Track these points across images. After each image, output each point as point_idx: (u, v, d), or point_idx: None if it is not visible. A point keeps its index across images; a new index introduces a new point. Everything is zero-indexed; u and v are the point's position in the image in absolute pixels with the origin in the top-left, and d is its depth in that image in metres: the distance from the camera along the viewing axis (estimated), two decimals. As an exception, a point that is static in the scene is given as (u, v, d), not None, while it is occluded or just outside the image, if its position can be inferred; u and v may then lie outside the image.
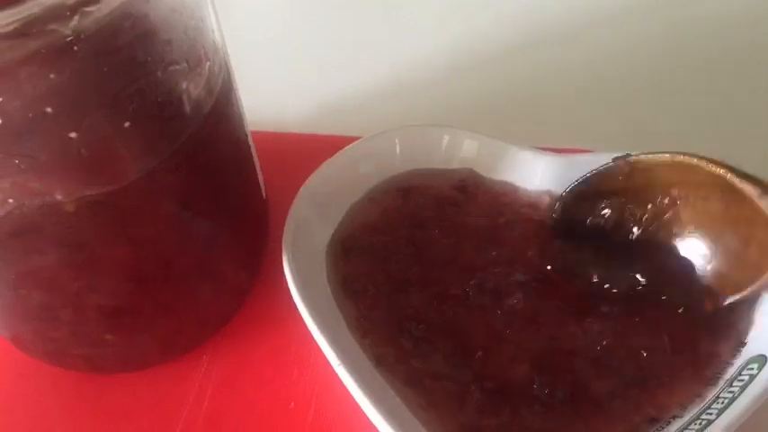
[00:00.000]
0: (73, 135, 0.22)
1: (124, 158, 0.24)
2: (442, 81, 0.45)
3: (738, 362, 0.28)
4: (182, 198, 0.27)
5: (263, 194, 0.34)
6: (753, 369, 0.27)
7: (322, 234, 0.33)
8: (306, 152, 0.38)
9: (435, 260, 0.32)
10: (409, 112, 0.42)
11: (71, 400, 0.32)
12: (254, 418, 0.31)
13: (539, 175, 0.34)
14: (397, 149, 0.34)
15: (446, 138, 0.35)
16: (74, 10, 0.20)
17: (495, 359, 0.29)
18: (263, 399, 0.31)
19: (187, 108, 0.25)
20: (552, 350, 0.29)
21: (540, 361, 0.29)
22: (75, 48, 0.21)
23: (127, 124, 0.23)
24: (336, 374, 0.27)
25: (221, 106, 0.28)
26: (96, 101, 0.22)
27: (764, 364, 0.26)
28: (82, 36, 0.21)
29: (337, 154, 0.34)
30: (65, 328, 0.28)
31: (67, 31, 0.20)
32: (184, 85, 0.25)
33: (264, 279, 0.34)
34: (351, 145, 0.34)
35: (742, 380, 0.27)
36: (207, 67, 0.26)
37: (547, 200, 0.33)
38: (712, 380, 0.28)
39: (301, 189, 0.32)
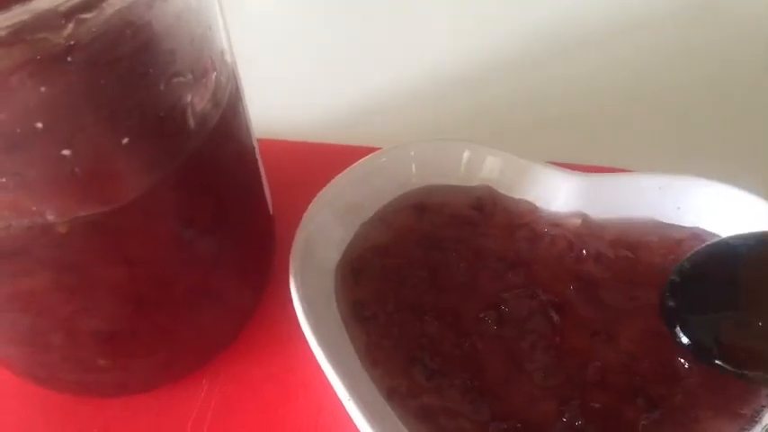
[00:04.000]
0: (66, 152, 0.20)
1: (122, 177, 0.22)
2: (460, 91, 0.43)
3: (775, 407, 0.26)
4: (184, 217, 0.25)
5: (270, 210, 0.32)
6: (793, 416, 0.25)
7: (332, 254, 0.31)
8: (316, 162, 0.36)
9: (451, 285, 0.30)
10: (426, 122, 0.40)
11: (62, 423, 0.30)
12: (255, 448, 0.29)
13: (563, 195, 0.32)
14: (413, 165, 0.32)
15: (466, 153, 0.33)
16: (68, 17, 0.18)
17: (517, 395, 0.27)
18: (264, 426, 0.30)
19: (191, 122, 0.23)
20: (580, 385, 0.27)
21: (568, 397, 0.27)
22: (69, 58, 0.19)
23: (125, 141, 0.21)
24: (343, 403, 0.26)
25: (228, 119, 0.26)
26: (92, 116, 0.20)
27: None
28: (76, 45, 0.19)
29: (349, 168, 0.32)
30: (56, 352, 0.27)
31: (60, 40, 0.18)
32: (189, 98, 0.23)
33: (270, 298, 0.32)
34: (364, 159, 0.32)
35: (782, 427, 0.25)
36: (213, 78, 0.24)
37: (576, 222, 0.31)
38: (748, 422, 0.26)
39: (311, 206, 0.30)
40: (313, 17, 0.49)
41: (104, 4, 0.19)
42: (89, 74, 0.19)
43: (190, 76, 0.23)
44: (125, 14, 0.19)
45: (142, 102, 0.21)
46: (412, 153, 0.32)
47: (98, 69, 0.20)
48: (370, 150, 0.33)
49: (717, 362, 0.26)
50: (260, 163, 0.31)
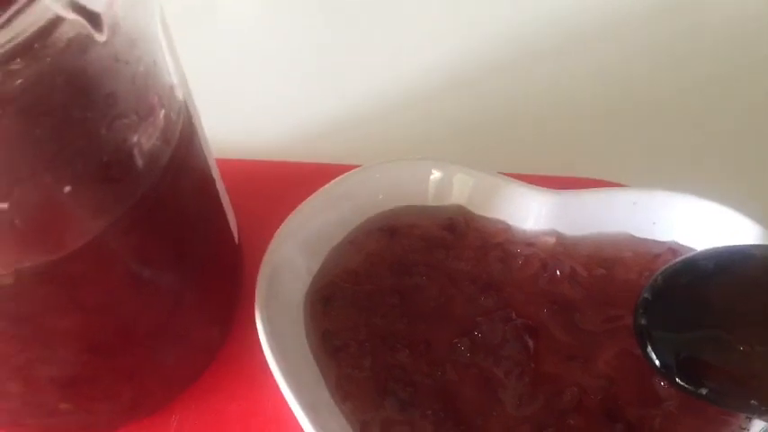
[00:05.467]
0: (3, 206, 0.19)
1: (67, 226, 0.21)
2: (425, 105, 0.41)
3: (754, 430, 0.25)
4: (139, 259, 0.24)
5: (236, 239, 0.31)
6: (773, 440, 0.24)
7: (300, 284, 0.30)
8: (284, 181, 0.35)
9: (424, 311, 0.29)
10: (394, 139, 0.39)
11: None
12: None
13: (536, 213, 0.31)
14: (381, 187, 0.31)
15: (435, 172, 0.32)
16: (-7, 68, 0.17)
17: (491, 426, 0.26)
18: (237, 462, 0.29)
19: (139, 163, 0.22)
20: (556, 412, 0.27)
21: (544, 425, 0.26)
22: (-1, 111, 0.18)
23: (67, 189, 0.20)
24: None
25: (181, 154, 0.25)
26: (28, 168, 0.19)
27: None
28: (4, 98, 0.18)
29: (316, 193, 0.31)
30: (15, 399, 0.26)
31: (-13, 94, 0.17)
32: (135, 139, 0.22)
33: (239, 329, 0.31)
34: (327, 185, 0.31)
35: (761, 453, 0.24)
36: (162, 115, 0.23)
37: (550, 240, 0.30)
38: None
39: (274, 238, 0.29)
40: (273, 28, 0.48)
41: (32, 54, 0.18)
42: (21, 126, 0.19)
43: (134, 117, 0.22)
44: (56, 63, 0.18)
45: (83, 148, 0.20)
46: (378, 176, 0.31)
47: (32, 120, 0.19)
48: (338, 168, 0.32)
49: (688, 387, 0.25)
50: (222, 192, 0.30)
